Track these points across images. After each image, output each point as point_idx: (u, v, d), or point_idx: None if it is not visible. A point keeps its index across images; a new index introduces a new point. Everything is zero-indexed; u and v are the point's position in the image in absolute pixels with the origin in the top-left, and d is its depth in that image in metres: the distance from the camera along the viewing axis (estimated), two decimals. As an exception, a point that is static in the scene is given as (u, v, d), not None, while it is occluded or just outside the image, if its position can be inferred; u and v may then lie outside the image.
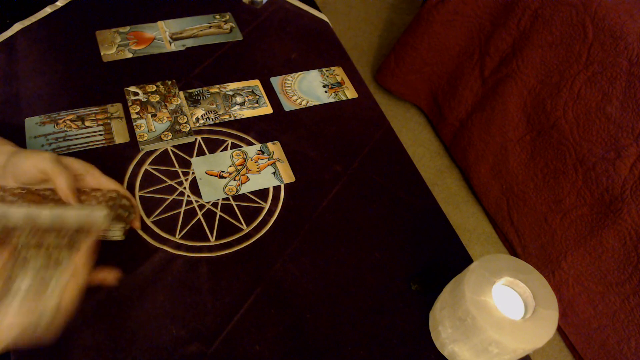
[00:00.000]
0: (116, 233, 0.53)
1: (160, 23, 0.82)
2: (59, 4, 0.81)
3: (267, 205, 0.64)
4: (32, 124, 0.65)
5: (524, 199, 1.28)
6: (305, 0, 0.93)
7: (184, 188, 0.63)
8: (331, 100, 0.78)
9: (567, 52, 1.13)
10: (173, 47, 0.79)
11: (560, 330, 1.25)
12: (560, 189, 1.18)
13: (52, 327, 0.42)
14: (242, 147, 0.69)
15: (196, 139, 0.69)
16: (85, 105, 0.69)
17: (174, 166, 0.65)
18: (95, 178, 0.54)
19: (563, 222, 1.17)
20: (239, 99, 0.74)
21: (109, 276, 0.49)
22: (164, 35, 0.81)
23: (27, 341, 0.40)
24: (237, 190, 0.64)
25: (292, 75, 0.80)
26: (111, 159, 0.64)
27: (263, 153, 0.69)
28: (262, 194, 0.65)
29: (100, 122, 0.67)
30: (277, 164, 0.68)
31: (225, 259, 0.58)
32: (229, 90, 0.75)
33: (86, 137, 0.66)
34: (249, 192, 0.65)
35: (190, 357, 0.50)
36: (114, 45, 0.77)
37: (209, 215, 0.61)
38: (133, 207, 0.56)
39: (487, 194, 1.41)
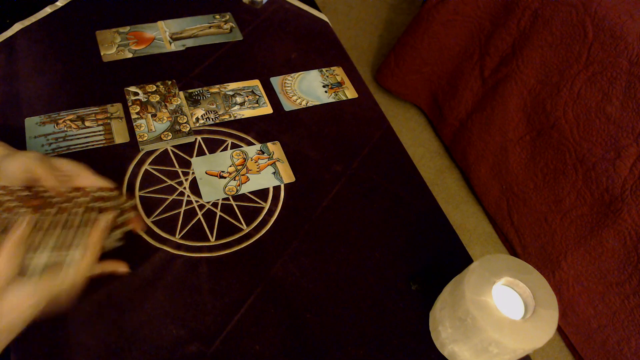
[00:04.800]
0: (111, 241, 0.50)
1: (160, 23, 0.82)
2: (59, 4, 0.81)
3: (267, 205, 0.64)
4: (32, 124, 0.65)
5: (524, 199, 1.28)
6: (305, 0, 0.93)
7: (184, 188, 0.63)
8: (331, 100, 0.78)
9: (567, 52, 1.13)
10: (173, 47, 0.79)
11: (560, 330, 1.25)
12: (560, 189, 1.18)
13: (64, 301, 0.43)
14: (242, 147, 0.69)
15: (196, 139, 0.68)
16: (85, 105, 0.69)
17: (174, 166, 0.65)
18: (87, 179, 0.51)
19: (563, 222, 1.17)
20: (239, 99, 0.74)
21: (120, 267, 0.50)
22: (164, 35, 0.81)
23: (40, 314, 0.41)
24: (237, 190, 0.64)
25: (292, 75, 0.80)
26: (111, 159, 0.64)
27: (263, 153, 0.69)
28: (262, 194, 0.65)
29: (100, 122, 0.67)
30: (277, 164, 0.68)
31: (225, 259, 0.58)
32: (229, 90, 0.75)
33: (86, 137, 0.66)
34: (249, 192, 0.65)
35: (190, 357, 0.50)
36: (114, 45, 0.77)
37: (209, 215, 0.61)
38: (117, 204, 0.52)
39: (487, 194, 1.41)
